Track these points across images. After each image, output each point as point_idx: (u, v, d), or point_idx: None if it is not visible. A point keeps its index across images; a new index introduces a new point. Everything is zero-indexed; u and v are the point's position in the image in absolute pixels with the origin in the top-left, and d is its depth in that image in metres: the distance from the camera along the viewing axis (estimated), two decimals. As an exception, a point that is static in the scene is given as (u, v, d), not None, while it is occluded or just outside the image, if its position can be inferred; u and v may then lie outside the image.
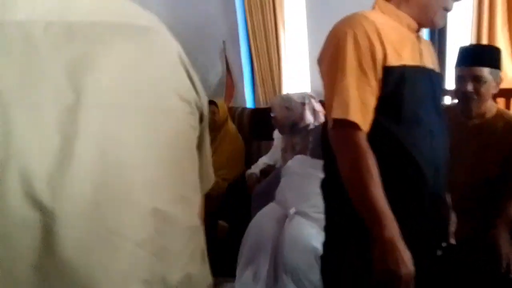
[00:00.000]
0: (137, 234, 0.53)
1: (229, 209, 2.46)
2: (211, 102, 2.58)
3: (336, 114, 0.91)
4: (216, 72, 3.57)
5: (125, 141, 0.53)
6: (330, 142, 0.96)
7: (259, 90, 3.23)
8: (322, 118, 2.20)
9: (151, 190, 0.55)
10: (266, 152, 2.95)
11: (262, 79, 3.19)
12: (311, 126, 2.14)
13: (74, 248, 0.49)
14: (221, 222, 2.39)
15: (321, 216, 1.19)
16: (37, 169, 0.48)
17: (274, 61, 3.06)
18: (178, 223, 0.57)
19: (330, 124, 0.95)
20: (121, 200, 0.52)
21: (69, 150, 0.49)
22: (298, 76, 3.20)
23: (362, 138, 0.91)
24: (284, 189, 1.85)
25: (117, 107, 0.53)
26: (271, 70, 3.11)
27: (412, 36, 1.05)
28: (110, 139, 0.52)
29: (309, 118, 2.14)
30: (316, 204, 1.48)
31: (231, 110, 3.20)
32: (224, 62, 3.44)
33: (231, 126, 2.99)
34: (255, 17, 3.03)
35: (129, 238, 0.52)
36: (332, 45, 0.99)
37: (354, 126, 0.90)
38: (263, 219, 1.81)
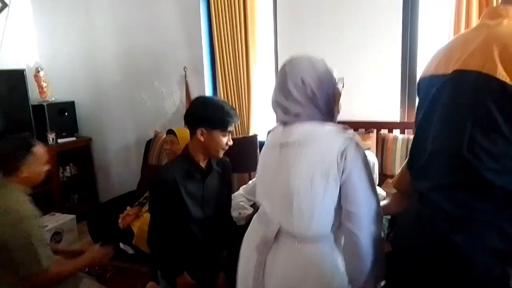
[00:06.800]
0: None
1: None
2: (170, 131, 2.36)
3: None
4: (174, 100, 3.38)
5: None
6: None
7: (224, 119, 3.10)
8: None
9: None
10: (238, 184, 2.82)
11: (228, 108, 3.08)
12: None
13: None
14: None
15: None
16: None
17: (243, 90, 2.98)
18: None
19: None
20: None
21: None
22: (267, 107, 3.14)
23: None
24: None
25: None
26: (239, 99, 3.02)
27: None
28: None
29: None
30: None
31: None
32: (184, 89, 3.28)
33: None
34: (225, 45, 2.94)
35: None
36: None
37: None
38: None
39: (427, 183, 1.06)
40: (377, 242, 1.16)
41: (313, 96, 1.20)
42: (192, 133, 1.72)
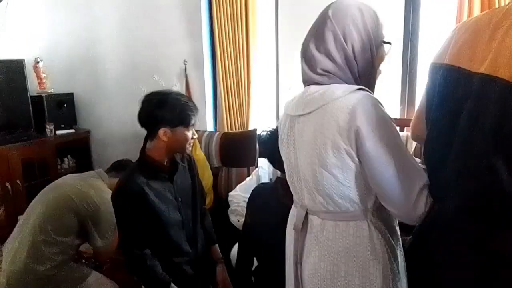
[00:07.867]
0: None
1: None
2: None
3: None
4: (174, 94, 3.36)
5: None
6: None
7: (224, 114, 3.09)
8: None
9: None
10: (237, 180, 2.81)
11: (228, 103, 3.06)
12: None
13: None
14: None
15: None
16: None
17: (244, 85, 2.96)
18: None
19: None
20: None
21: None
22: (266, 102, 3.13)
23: None
24: None
25: None
26: (239, 94, 3.00)
27: None
28: None
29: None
30: None
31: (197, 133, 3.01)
32: (184, 83, 3.26)
33: (198, 152, 2.79)
34: (226, 39, 2.92)
35: None
36: None
37: None
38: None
39: (451, 202, 0.89)
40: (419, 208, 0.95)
41: (352, 54, 0.99)
42: (153, 135, 1.59)
